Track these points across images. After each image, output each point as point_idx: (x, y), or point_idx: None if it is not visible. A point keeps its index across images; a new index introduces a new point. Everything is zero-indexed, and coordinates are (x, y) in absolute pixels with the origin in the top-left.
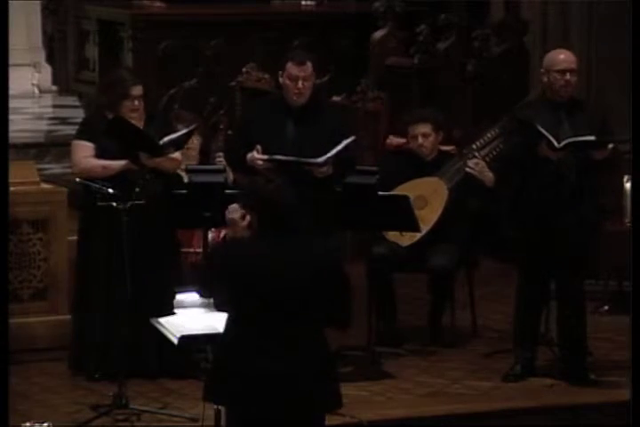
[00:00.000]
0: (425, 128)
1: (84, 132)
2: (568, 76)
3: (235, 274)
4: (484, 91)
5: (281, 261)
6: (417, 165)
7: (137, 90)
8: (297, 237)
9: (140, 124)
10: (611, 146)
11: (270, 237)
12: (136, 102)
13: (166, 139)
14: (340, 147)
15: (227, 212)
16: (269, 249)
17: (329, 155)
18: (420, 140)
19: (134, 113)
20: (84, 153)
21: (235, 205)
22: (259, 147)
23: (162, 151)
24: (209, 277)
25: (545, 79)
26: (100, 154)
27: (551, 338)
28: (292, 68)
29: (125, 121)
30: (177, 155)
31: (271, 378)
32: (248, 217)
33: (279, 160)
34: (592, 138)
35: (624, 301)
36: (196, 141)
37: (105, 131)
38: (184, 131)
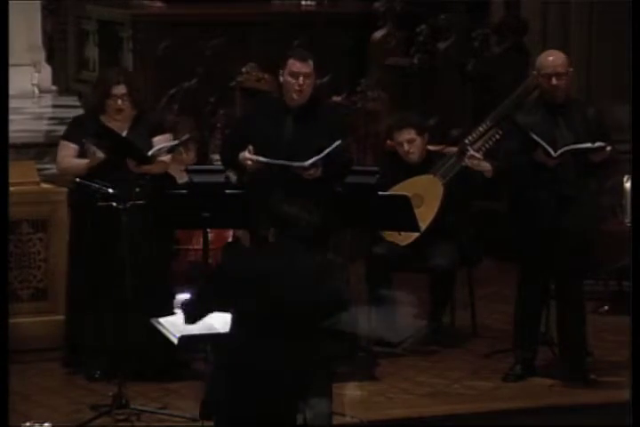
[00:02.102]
0: (409, 134)
1: (70, 132)
2: (554, 81)
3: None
4: (484, 91)
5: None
6: (407, 167)
7: (118, 89)
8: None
9: (125, 125)
10: (609, 148)
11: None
12: (119, 102)
13: (155, 149)
14: (327, 150)
15: None
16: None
17: (315, 158)
18: (406, 146)
19: (119, 114)
20: (65, 153)
21: None
22: (250, 147)
23: (150, 160)
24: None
25: (537, 81)
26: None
27: (551, 338)
28: (294, 64)
29: (111, 131)
30: (166, 158)
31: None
32: None
33: (266, 162)
34: (588, 145)
35: (624, 301)
36: (191, 148)
37: (95, 136)
38: (175, 142)
